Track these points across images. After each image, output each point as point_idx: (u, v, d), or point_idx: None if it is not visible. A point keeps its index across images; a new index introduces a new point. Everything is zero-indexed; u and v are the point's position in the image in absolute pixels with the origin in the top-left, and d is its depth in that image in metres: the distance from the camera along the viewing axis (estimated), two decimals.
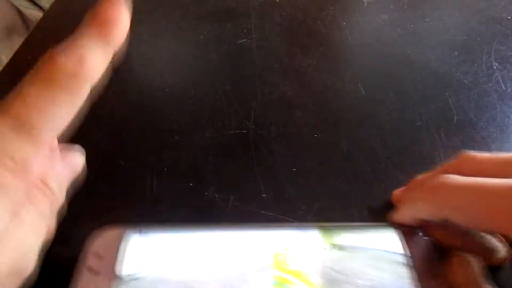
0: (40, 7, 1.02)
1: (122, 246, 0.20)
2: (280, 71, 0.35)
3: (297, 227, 0.21)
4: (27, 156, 0.14)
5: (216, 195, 0.25)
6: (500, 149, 0.27)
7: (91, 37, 0.16)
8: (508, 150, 0.27)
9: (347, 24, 0.41)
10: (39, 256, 0.16)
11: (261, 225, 0.21)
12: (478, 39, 0.37)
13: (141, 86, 0.34)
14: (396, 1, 0.44)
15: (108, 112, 0.30)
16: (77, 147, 0.19)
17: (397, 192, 0.24)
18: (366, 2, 0.44)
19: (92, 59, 0.15)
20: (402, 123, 0.29)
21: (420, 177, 0.23)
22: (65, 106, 0.15)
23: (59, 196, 0.17)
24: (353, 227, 0.21)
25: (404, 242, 0.20)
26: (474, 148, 0.27)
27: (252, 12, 0.43)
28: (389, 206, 0.24)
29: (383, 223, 0.22)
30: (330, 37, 0.39)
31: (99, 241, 0.20)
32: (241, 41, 0.39)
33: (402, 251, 0.20)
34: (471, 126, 0.29)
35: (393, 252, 0.20)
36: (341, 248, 0.20)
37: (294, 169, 0.26)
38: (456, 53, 0.36)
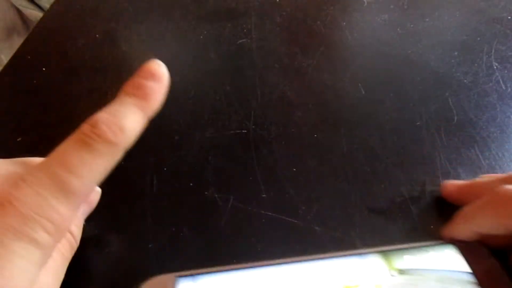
0: (40, 7, 1.02)
1: None
2: (280, 71, 0.35)
3: (357, 254, 0.20)
4: (63, 219, 0.15)
5: (216, 195, 0.25)
6: (500, 149, 0.27)
7: (132, 108, 0.17)
8: (508, 150, 0.27)
9: (347, 24, 0.41)
10: None
11: (317, 256, 0.20)
12: (478, 39, 0.37)
13: None
14: (396, 1, 0.44)
15: None
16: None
17: (451, 188, 0.23)
18: (366, 2, 0.44)
19: (131, 129, 0.17)
20: (402, 123, 0.29)
21: (476, 183, 0.23)
22: (102, 170, 0.16)
23: (78, 237, 0.18)
24: (412, 249, 0.20)
25: (465, 258, 0.19)
26: (474, 148, 0.27)
27: (252, 12, 0.43)
28: (389, 206, 0.24)
29: (440, 241, 0.21)
30: (330, 37, 0.39)
31: None
32: (241, 41, 0.39)
33: (465, 268, 0.19)
34: (471, 126, 0.29)
35: (457, 271, 0.19)
36: (404, 272, 0.19)
37: (294, 169, 0.26)
38: (456, 53, 0.36)
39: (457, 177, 0.25)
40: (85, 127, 0.16)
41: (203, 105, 0.32)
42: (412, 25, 0.40)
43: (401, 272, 0.19)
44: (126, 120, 0.17)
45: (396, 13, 0.42)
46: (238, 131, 0.29)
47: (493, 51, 0.36)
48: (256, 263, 0.20)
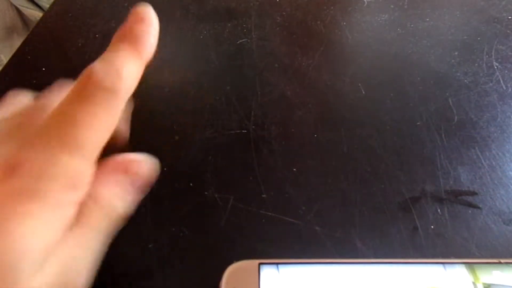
0: (40, 7, 1.02)
1: (260, 282, 0.19)
2: (280, 71, 0.35)
3: (441, 263, 0.20)
4: (76, 172, 0.15)
5: (216, 195, 0.25)
6: (500, 149, 0.27)
7: (125, 52, 0.16)
8: (508, 150, 0.27)
9: (347, 24, 0.41)
10: (92, 270, 0.16)
11: (403, 260, 0.20)
12: (479, 39, 0.37)
13: (141, 86, 0.34)
14: (396, 0, 0.44)
15: None
16: (145, 156, 0.18)
17: None
18: (366, 2, 0.44)
19: (128, 74, 0.16)
20: (402, 123, 0.29)
21: None
22: (106, 121, 0.15)
23: (117, 208, 0.17)
24: (501, 264, 0.20)
25: None
26: (474, 148, 0.27)
27: (252, 12, 0.43)
28: (389, 206, 0.24)
29: None
30: (330, 37, 0.39)
31: (235, 276, 0.19)
32: (241, 41, 0.39)
33: None
34: (471, 126, 0.29)
35: None
36: (490, 287, 0.19)
37: (294, 169, 0.26)
38: (456, 53, 0.36)
39: (458, 177, 0.25)
40: (81, 79, 0.16)
41: (203, 105, 0.32)
42: (412, 25, 0.40)
43: (486, 286, 0.19)
44: (123, 65, 0.16)
45: (396, 13, 0.42)
46: (238, 131, 0.29)
47: (493, 51, 0.36)
48: (338, 260, 0.20)
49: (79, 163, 0.15)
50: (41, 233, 0.14)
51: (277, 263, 0.20)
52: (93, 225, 0.16)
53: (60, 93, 0.18)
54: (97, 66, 0.16)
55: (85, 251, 0.15)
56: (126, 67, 0.16)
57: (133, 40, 0.17)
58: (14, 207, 0.14)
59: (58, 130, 0.15)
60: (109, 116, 0.16)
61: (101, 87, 0.15)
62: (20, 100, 0.19)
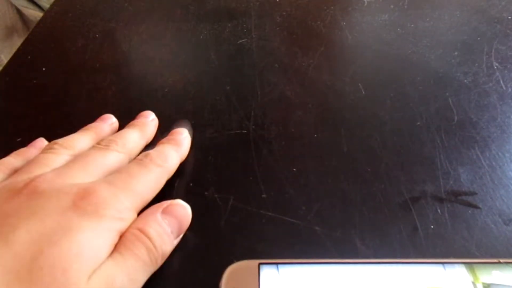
0: (40, 7, 1.02)
1: (260, 282, 0.19)
2: (280, 71, 0.35)
3: (440, 263, 0.20)
4: (126, 210, 0.20)
5: (216, 195, 0.25)
6: (500, 149, 0.27)
7: (170, 148, 0.25)
8: (509, 151, 0.27)
9: (347, 24, 0.41)
10: None
11: (403, 260, 0.20)
12: (479, 39, 0.37)
13: (141, 86, 0.34)
14: (396, 1, 0.44)
15: (108, 112, 0.30)
16: (181, 201, 0.22)
17: None
18: (366, 2, 0.44)
19: (172, 159, 0.24)
20: (402, 123, 0.29)
21: None
22: (154, 183, 0.23)
23: (158, 243, 0.20)
24: (502, 264, 0.20)
25: None
26: (474, 148, 0.27)
27: (252, 12, 0.43)
28: (389, 206, 0.24)
29: None
30: (330, 37, 0.39)
31: (235, 276, 0.19)
32: (241, 41, 0.39)
33: None
34: (471, 126, 0.29)
35: None
36: (490, 287, 0.19)
37: (294, 169, 0.26)
38: (456, 53, 0.36)
39: (458, 177, 0.25)
40: (140, 156, 0.23)
41: (203, 105, 0.32)
42: (412, 25, 0.40)
43: (486, 286, 0.19)
44: (168, 154, 0.24)
45: (396, 13, 0.42)
46: (238, 131, 0.29)
47: (493, 51, 0.36)
48: (338, 260, 0.20)
49: (128, 205, 0.20)
50: (93, 243, 0.18)
51: (277, 263, 0.20)
52: (137, 257, 0.19)
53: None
54: (153, 151, 0.24)
55: (125, 277, 0.18)
56: (170, 155, 0.24)
57: (175, 143, 0.26)
58: (79, 221, 0.18)
59: (123, 179, 0.21)
60: (155, 181, 0.23)
61: (154, 163, 0.23)
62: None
